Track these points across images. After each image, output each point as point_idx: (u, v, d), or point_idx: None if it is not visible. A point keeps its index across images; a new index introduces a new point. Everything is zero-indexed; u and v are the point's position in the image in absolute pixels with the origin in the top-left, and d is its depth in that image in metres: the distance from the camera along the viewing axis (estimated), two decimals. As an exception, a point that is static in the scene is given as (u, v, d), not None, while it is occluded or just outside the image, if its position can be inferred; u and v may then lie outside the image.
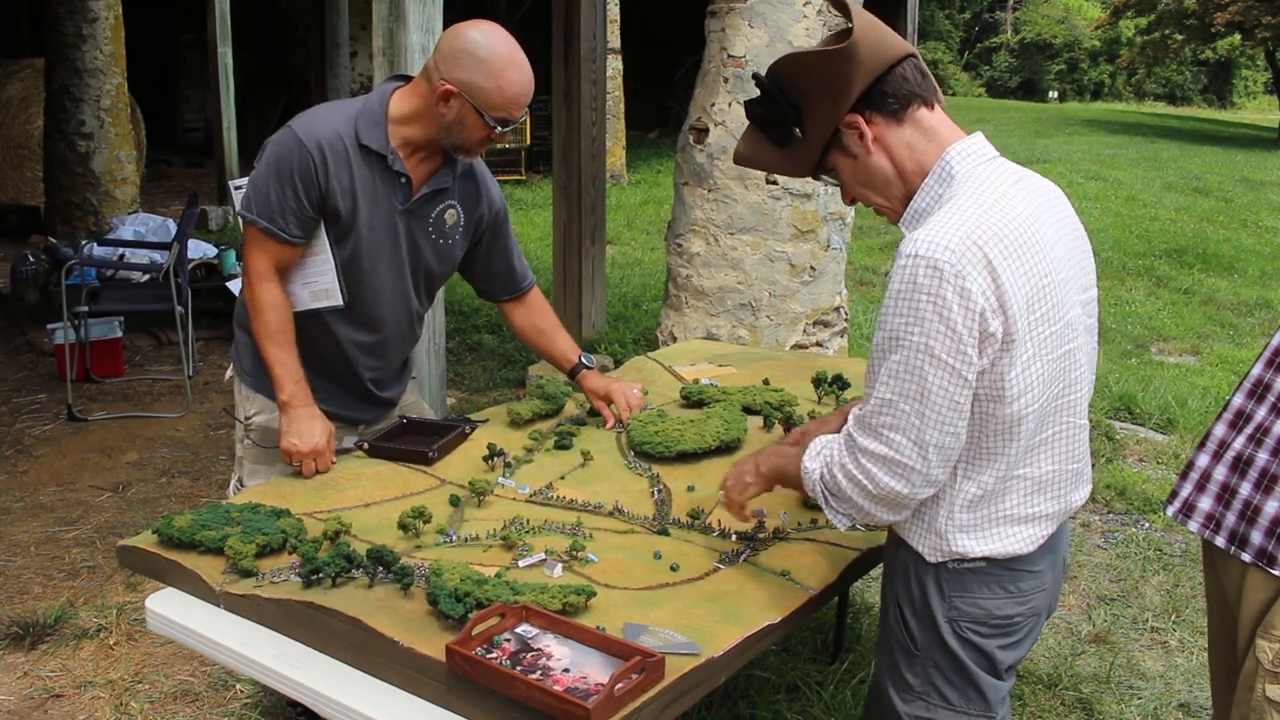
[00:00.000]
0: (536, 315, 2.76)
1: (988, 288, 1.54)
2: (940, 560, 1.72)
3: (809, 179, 2.11)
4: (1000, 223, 1.58)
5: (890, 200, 1.75)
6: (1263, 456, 1.81)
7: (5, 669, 3.14)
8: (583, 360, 2.72)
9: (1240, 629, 1.86)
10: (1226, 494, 1.86)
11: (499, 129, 2.26)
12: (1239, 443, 1.86)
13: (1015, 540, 1.71)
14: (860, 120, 1.68)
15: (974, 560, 1.71)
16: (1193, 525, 1.91)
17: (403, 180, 2.34)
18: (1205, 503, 1.89)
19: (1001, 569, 1.73)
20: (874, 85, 1.66)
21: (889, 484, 1.64)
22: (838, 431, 1.80)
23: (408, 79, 2.38)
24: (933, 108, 1.71)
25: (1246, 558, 1.81)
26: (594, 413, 2.73)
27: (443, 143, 2.32)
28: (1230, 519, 1.84)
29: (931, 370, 1.56)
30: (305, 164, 2.26)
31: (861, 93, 1.66)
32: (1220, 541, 1.85)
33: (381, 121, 2.31)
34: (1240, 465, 1.85)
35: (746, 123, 1.85)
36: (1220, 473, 1.88)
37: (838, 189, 1.85)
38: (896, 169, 1.71)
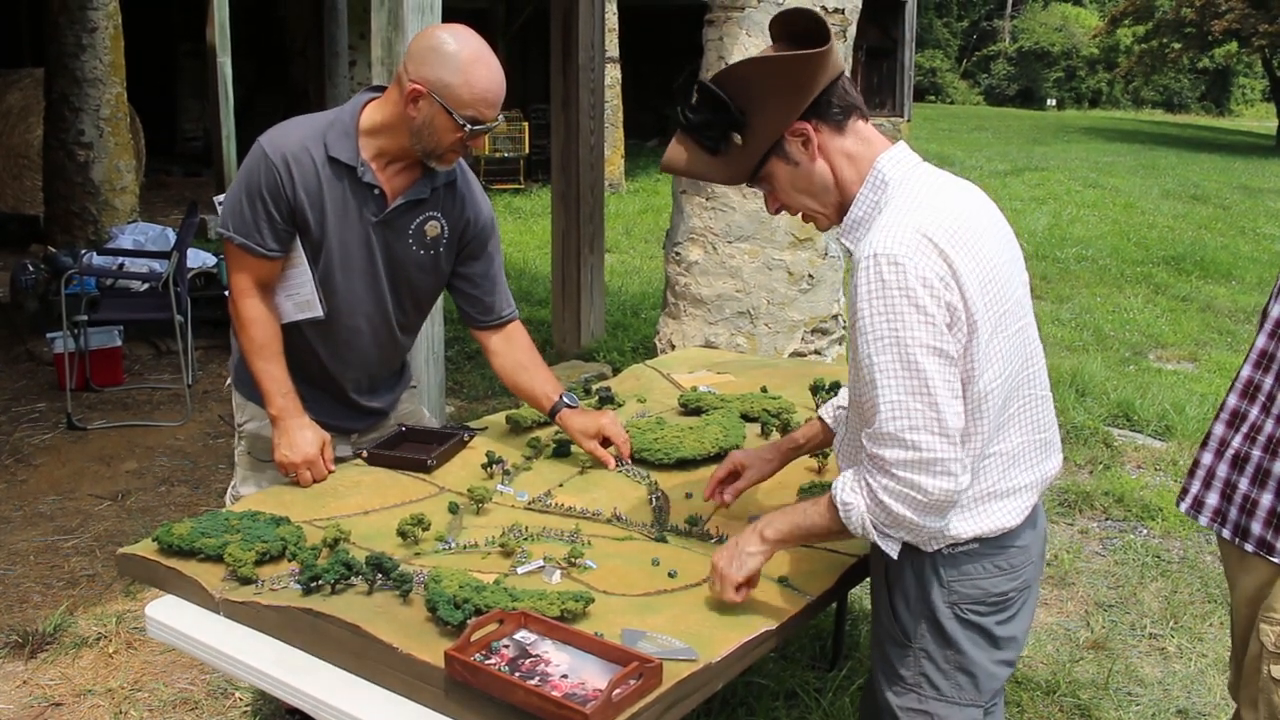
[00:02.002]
0: (519, 351, 2.58)
1: (944, 273, 1.61)
2: (936, 547, 1.77)
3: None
4: (941, 216, 1.67)
5: (825, 207, 1.81)
6: (1256, 454, 1.93)
7: (4, 677, 3.14)
8: (564, 399, 2.51)
9: (1246, 614, 1.99)
10: (1229, 489, 1.98)
11: (470, 128, 2.19)
12: (1237, 441, 1.98)
13: (1002, 515, 1.77)
14: (809, 128, 1.73)
15: (966, 543, 1.77)
16: (1203, 519, 2.04)
17: (375, 192, 2.31)
18: (1212, 498, 2.02)
19: (993, 547, 1.79)
20: (823, 94, 1.72)
21: (937, 485, 1.62)
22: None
23: (384, 90, 2.33)
24: (866, 120, 1.79)
25: (1249, 548, 1.93)
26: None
27: (415, 150, 2.26)
28: (1233, 513, 1.96)
29: (924, 358, 1.61)
30: (272, 178, 2.25)
31: (813, 101, 1.71)
32: (1226, 534, 1.98)
33: (352, 133, 2.28)
34: (1239, 462, 1.96)
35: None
36: (1223, 470, 2.00)
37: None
38: (835, 177, 1.77)
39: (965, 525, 1.76)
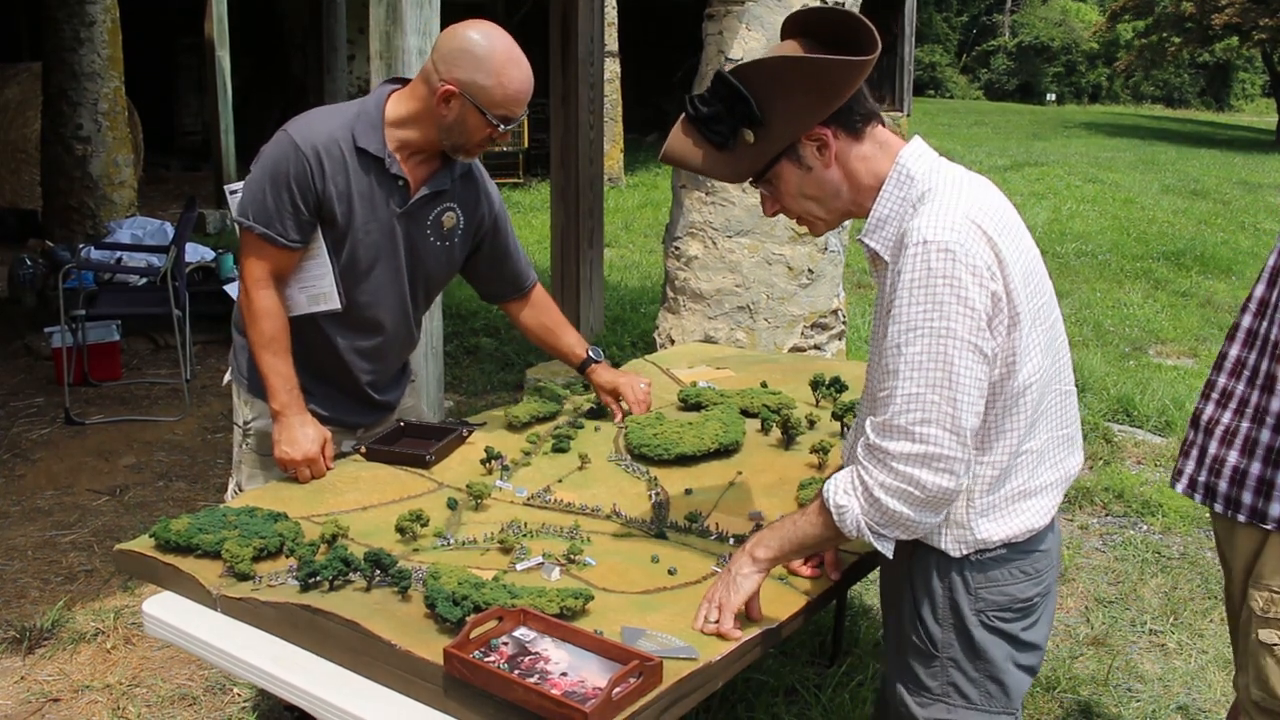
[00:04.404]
0: (543, 313, 2.74)
1: (992, 262, 1.58)
2: (965, 553, 1.73)
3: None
4: (984, 204, 1.64)
5: (829, 213, 1.76)
6: (1244, 425, 2.00)
7: (2, 673, 3.13)
8: (591, 354, 2.70)
9: (1236, 584, 2.07)
10: (1217, 464, 2.03)
11: (502, 127, 2.26)
12: (1226, 417, 2.04)
13: (1030, 515, 1.74)
14: (828, 134, 1.68)
15: (995, 549, 1.73)
16: (1197, 497, 2.08)
17: (400, 183, 2.33)
18: (1203, 475, 2.07)
19: (1018, 552, 1.75)
20: (848, 101, 1.66)
21: (936, 482, 1.58)
22: None
23: (404, 81, 2.37)
24: (883, 125, 1.75)
25: (1241, 518, 1.98)
26: (596, 413, 2.74)
27: (443, 144, 2.31)
28: (1223, 485, 2.02)
29: (957, 353, 1.56)
30: (301, 169, 2.25)
31: (837, 107, 1.66)
32: (1219, 508, 2.03)
33: (378, 125, 2.30)
34: (1228, 436, 2.03)
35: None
36: (1213, 447, 2.05)
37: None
38: (850, 183, 1.72)
39: (995, 528, 1.71)
